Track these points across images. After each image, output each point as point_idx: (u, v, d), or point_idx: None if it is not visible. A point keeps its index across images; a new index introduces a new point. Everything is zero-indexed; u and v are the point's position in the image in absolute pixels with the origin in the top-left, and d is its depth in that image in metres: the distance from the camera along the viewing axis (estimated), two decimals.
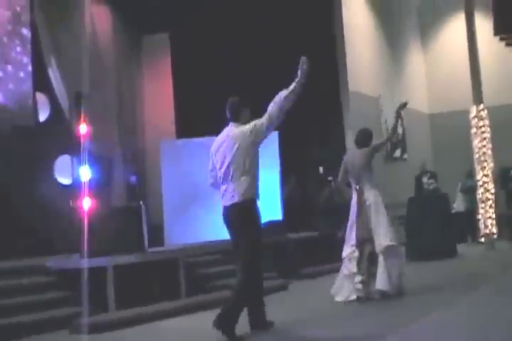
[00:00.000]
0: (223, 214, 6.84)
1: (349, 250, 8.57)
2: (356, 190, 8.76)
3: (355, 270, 8.42)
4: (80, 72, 11.46)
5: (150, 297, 8.66)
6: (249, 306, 6.80)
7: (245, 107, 6.94)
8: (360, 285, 8.36)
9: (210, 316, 8.31)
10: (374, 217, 8.56)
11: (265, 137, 6.80)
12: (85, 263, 8.33)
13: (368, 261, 8.47)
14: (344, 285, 8.53)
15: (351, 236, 8.62)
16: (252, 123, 6.72)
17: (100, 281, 8.25)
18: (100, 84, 12.78)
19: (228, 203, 6.74)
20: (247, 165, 6.66)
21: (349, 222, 8.74)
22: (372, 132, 9.27)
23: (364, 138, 9.03)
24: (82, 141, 10.89)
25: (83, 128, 10.50)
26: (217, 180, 6.88)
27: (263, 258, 6.90)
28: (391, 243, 8.47)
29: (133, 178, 11.42)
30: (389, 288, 8.33)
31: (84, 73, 11.48)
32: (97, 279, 8.18)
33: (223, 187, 6.78)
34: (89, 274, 8.12)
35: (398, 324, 6.87)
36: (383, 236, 8.47)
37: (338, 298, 8.50)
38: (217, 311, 8.56)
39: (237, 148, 6.66)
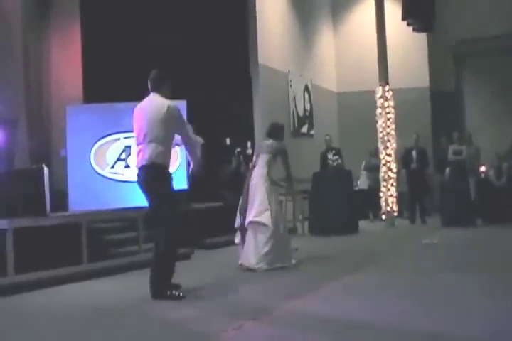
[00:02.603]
0: (137, 175, 6.97)
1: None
2: (252, 165, 9.19)
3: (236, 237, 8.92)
4: None
5: (51, 262, 8.45)
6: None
7: (166, 80, 7.10)
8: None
9: (110, 282, 8.28)
10: (253, 195, 8.83)
11: (175, 129, 6.93)
12: None
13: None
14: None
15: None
16: (175, 108, 6.87)
17: None
18: (5, 44, 12.31)
19: (139, 165, 6.90)
20: (159, 133, 6.79)
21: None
22: (284, 125, 9.64)
23: (273, 131, 9.30)
24: None
25: None
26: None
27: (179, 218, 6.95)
28: (257, 219, 8.67)
29: (63, 151, 11.09)
30: (252, 263, 8.57)
31: None
32: None
33: (137, 148, 6.95)
34: None
35: (311, 287, 7.22)
36: (254, 211, 8.71)
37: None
38: (118, 277, 8.57)
39: (152, 116, 6.82)
